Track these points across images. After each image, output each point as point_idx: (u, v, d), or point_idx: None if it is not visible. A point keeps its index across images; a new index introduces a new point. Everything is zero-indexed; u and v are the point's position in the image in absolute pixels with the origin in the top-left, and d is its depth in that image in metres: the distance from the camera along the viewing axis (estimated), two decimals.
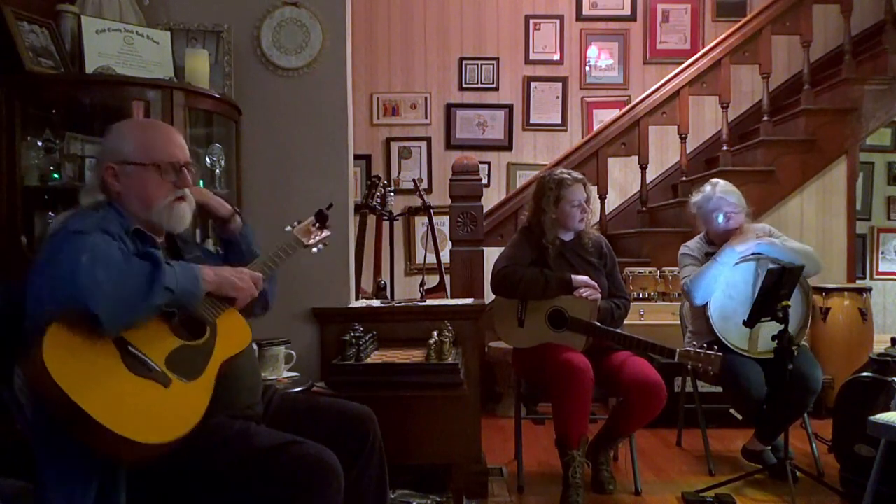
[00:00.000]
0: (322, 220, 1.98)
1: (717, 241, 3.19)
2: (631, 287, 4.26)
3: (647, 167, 4.98)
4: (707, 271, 3.06)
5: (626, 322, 3.16)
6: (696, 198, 3.28)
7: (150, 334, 1.53)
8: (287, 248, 1.89)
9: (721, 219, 3.15)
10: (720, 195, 3.17)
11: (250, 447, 1.57)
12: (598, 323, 2.89)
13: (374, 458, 1.85)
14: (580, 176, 3.05)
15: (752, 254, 3.05)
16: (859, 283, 4.63)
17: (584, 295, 2.87)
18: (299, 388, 2.57)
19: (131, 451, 1.38)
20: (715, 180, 3.29)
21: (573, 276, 2.89)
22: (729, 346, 2.99)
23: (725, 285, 3.04)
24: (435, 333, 2.57)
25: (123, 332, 1.48)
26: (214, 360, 1.60)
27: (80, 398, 1.34)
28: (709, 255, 3.14)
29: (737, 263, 3.04)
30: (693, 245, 3.28)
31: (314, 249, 1.97)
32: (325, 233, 2.00)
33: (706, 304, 3.06)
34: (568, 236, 3.05)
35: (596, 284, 2.90)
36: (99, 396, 1.37)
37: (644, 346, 2.84)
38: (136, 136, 1.76)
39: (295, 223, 1.97)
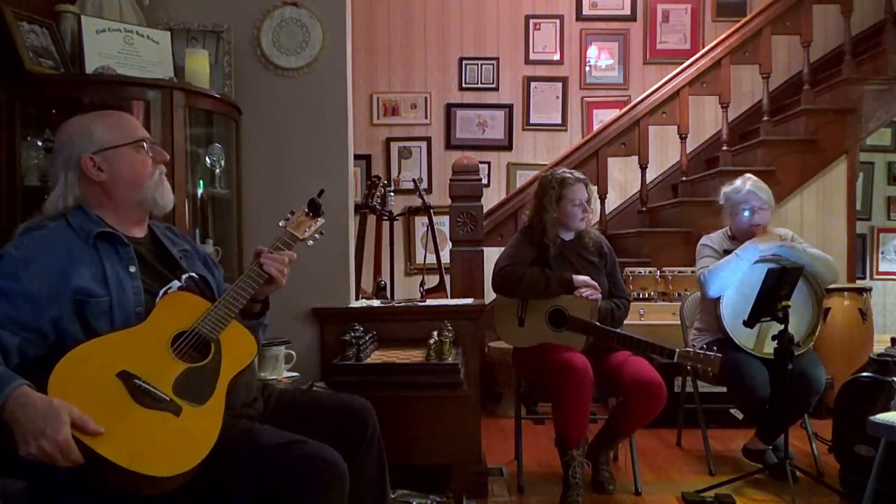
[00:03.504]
0: (314, 208, 1.87)
1: (739, 238, 3.18)
2: (631, 287, 4.26)
3: (647, 167, 4.99)
4: (726, 264, 3.05)
5: (626, 322, 3.15)
6: (726, 188, 3.27)
7: (154, 362, 1.51)
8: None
9: (747, 213, 3.13)
10: (750, 189, 3.16)
11: (255, 446, 1.56)
12: (598, 323, 2.89)
13: (373, 450, 1.84)
14: (582, 176, 3.06)
15: (772, 255, 3.04)
16: (859, 283, 4.63)
17: (584, 295, 2.87)
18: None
19: (154, 486, 1.37)
20: (748, 175, 3.27)
21: (574, 276, 2.89)
22: (737, 343, 2.99)
23: (740, 283, 3.03)
24: (435, 333, 2.57)
25: (125, 365, 1.46)
26: (222, 379, 1.57)
27: (97, 444, 1.33)
28: (728, 252, 3.13)
29: (756, 262, 3.03)
30: (715, 237, 3.27)
31: (310, 242, 1.87)
32: (320, 221, 1.88)
33: (718, 299, 3.05)
34: (568, 236, 3.06)
35: (597, 285, 2.91)
36: (115, 438, 1.35)
37: (644, 346, 2.84)
38: (98, 123, 1.71)
39: (288, 216, 1.87)
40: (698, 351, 2.70)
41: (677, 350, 2.74)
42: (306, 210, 1.87)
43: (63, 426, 1.31)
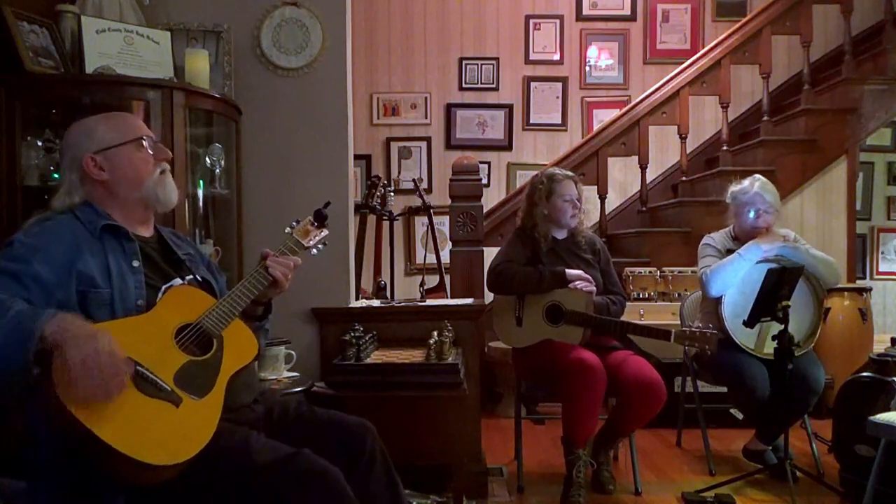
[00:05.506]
0: (320, 219, 1.90)
1: (742, 238, 3.19)
2: (631, 287, 4.26)
3: (647, 167, 4.99)
4: (728, 264, 3.05)
5: (625, 321, 3.15)
6: (734, 188, 3.27)
7: (157, 351, 1.51)
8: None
9: (752, 214, 3.14)
10: (757, 191, 3.16)
11: (251, 461, 1.53)
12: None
13: (374, 469, 1.76)
14: (571, 174, 3.11)
15: (775, 255, 3.04)
16: (859, 283, 4.63)
17: (579, 287, 2.88)
18: (299, 389, 2.57)
19: (147, 474, 1.38)
20: (757, 176, 3.27)
21: (567, 270, 2.91)
22: (737, 343, 2.99)
23: (741, 282, 3.03)
24: (435, 333, 2.57)
25: (129, 351, 1.45)
26: (223, 375, 1.57)
27: (96, 427, 1.33)
28: (730, 251, 3.13)
29: (758, 262, 3.03)
30: (717, 237, 3.27)
31: (314, 251, 1.89)
32: (324, 232, 1.91)
33: (719, 299, 3.05)
34: (561, 234, 3.07)
35: (590, 277, 2.92)
36: (114, 423, 1.36)
37: (640, 330, 2.85)
38: (101, 124, 1.75)
39: (294, 223, 1.89)
40: (694, 329, 2.71)
41: (673, 331, 2.76)
42: (312, 220, 1.90)
43: (113, 340, 1.37)
